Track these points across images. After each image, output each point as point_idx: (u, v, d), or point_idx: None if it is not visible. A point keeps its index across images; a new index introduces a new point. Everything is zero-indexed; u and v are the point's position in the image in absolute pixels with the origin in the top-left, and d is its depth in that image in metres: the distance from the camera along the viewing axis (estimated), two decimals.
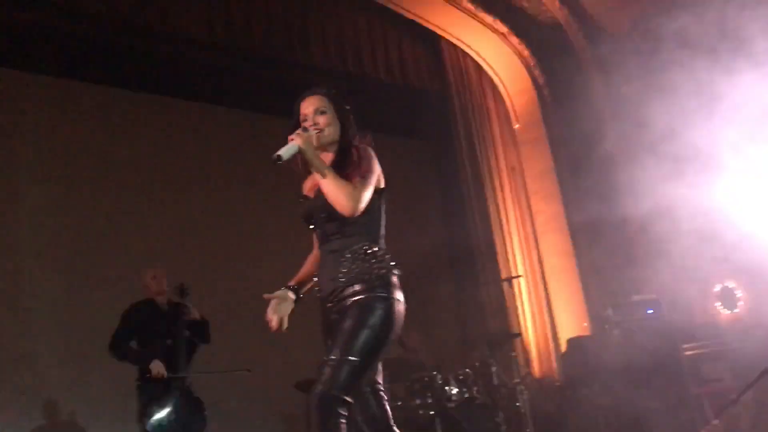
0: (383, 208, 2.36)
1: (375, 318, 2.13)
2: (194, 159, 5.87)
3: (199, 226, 5.67)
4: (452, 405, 4.43)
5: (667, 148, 4.63)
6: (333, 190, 2.20)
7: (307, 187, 2.45)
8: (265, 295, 2.32)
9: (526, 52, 6.74)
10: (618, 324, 5.16)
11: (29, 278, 4.96)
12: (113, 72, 5.44)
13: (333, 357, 2.05)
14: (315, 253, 2.48)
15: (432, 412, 4.34)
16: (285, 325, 2.31)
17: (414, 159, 7.26)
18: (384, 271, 2.22)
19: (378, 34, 6.49)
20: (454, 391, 4.50)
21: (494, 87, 7.11)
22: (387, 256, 2.26)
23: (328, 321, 2.26)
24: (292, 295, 2.37)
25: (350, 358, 2.03)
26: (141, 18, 5.09)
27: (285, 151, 2.20)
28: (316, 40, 6.02)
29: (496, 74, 7.05)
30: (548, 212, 6.69)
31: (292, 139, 2.25)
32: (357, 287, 2.18)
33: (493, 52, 6.86)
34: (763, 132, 4.46)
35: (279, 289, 2.36)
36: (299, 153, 2.24)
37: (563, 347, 6.06)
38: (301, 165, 2.36)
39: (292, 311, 2.34)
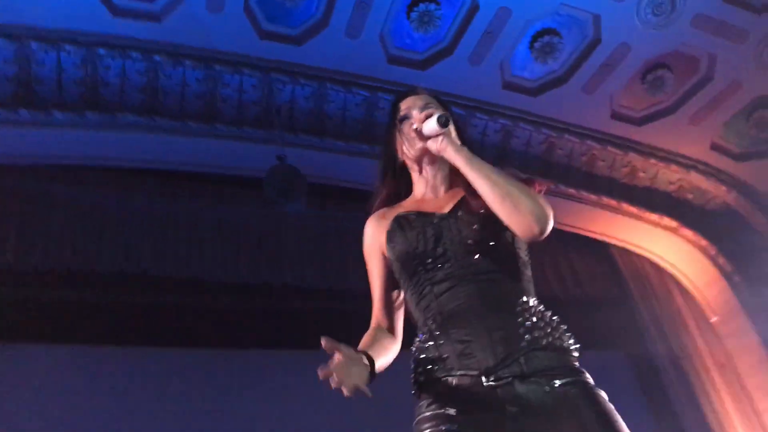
0: None
1: (613, 411, 1.43)
2: None
3: None
4: None
5: None
6: (509, 193, 1.45)
7: (409, 204, 1.72)
8: (325, 342, 1.36)
9: (703, 242, 6.44)
10: None
11: None
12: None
13: None
14: (376, 325, 1.63)
15: None
16: (366, 390, 1.37)
17: (608, 372, 6.83)
18: (576, 345, 1.53)
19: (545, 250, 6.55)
20: None
21: (678, 283, 6.76)
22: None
23: (480, 404, 1.39)
24: (366, 361, 1.42)
25: None
26: None
27: (437, 116, 1.59)
28: None
29: (678, 270, 6.74)
30: None
31: (429, 116, 1.60)
32: (547, 362, 1.43)
33: (668, 248, 6.64)
34: None
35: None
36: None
37: None
38: (393, 172, 1.72)
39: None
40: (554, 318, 1.53)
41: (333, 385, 1.32)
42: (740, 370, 6.22)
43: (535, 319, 1.48)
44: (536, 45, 4.99)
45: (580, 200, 6.06)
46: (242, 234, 5.45)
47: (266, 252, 5.40)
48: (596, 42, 5.03)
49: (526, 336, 1.44)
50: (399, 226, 1.61)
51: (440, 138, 1.58)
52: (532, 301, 1.53)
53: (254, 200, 5.34)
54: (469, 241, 1.53)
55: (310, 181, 4.97)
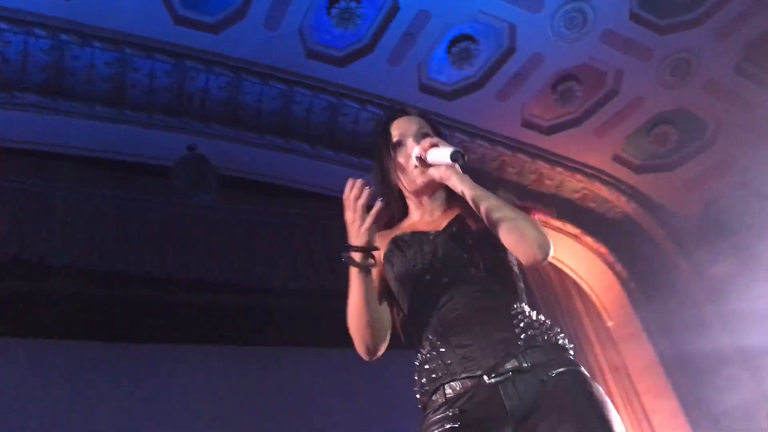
0: None
1: (607, 401, 1.47)
2: None
3: None
4: None
5: None
6: (515, 224, 1.51)
7: (405, 227, 1.77)
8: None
9: (603, 249, 6.71)
10: None
11: None
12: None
13: None
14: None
15: None
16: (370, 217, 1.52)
17: None
18: (568, 342, 1.60)
19: None
20: None
21: (578, 287, 7.02)
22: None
23: (483, 401, 1.45)
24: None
25: None
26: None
27: (453, 151, 1.57)
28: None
29: (577, 274, 6.99)
30: (665, 410, 6.21)
31: (434, 145, 1.62)
32: (544, 356, 1.50)
33: (570, 253, 6.87)
34: None
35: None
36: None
37: None
38: (386, 193, 1.74)
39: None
40: (547, 321, 1.60)
41: (356, 194, 1.51)
42: (632, 372, 6.51)
43: (529, 320, 1.55)
44: (453, 50, 5.06)
45: None
46: (147, 224, 5.27)
47: (171, 244, 5.25)
48: (511, 51, 5.15)
49: (523, 335, 1.51)
50: (397, 247, 1.68)
51: (443, 167, 1.63)
52: (527, 307, 1.60)
53: (161, 190, 5.18)
54: (465, 255, 1.59)
55: (221, 173, 4.86)
